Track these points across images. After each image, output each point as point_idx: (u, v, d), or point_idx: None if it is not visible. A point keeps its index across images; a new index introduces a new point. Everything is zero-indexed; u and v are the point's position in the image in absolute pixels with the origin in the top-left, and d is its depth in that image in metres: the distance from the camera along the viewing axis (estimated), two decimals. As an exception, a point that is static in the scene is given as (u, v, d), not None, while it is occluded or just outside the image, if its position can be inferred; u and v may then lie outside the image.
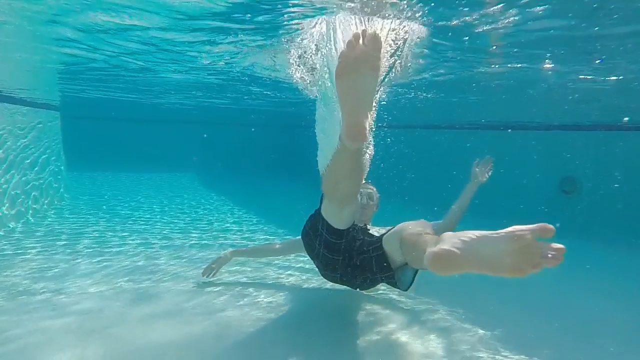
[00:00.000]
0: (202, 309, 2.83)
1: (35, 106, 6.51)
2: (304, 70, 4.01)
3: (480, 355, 2.38)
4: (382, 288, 3.34)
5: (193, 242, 4.75)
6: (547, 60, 3.68)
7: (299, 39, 3.22)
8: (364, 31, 1.60)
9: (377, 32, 1.59)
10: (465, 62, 3.92)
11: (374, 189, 3.00)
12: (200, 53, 4.01)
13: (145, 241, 4.64)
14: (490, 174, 3.11)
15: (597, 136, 6.80)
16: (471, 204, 2.95)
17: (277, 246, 3.33)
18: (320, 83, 2.46)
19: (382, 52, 1.66)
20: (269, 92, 7.49)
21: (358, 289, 2.95)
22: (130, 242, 4.58)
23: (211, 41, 3.51)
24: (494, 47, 3.26)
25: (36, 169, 6.12)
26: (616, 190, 5.79)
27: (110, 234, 4.90)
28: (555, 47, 3.21)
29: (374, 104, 1.77)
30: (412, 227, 2.08)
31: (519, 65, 3.91)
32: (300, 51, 3.57)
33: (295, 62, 3.90)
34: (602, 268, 4.52)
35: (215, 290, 3.19)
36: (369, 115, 1.69)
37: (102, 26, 3.11)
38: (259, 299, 3.04)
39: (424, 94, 6.12)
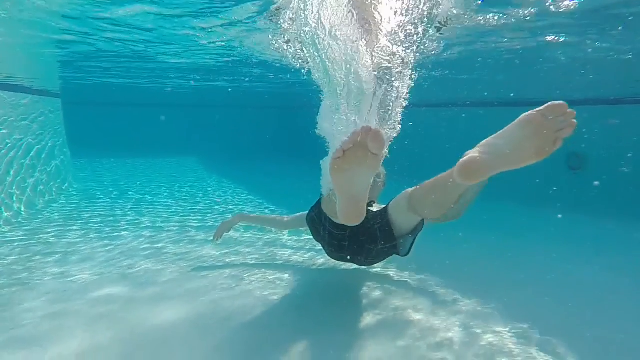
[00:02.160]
0: (208, 290, 2.85)
1: (37, 94, 6.46)
2: (299, 50, 3.87)
3: (477, 330, 2.38)
4: (387, 269, 3.34)
5: (196, 224, 4.76)
6: (559, 32, 3.51)
7: (290, 12, 3.06)
8: (366, 127, 1.41)
9: (380, 130, 1.43)
10: (477, 35, 3.75)
11: (381, 167, 2.94)
12: (196, 31, 3.89)
13: (149, 225, 4.67)
14: None
15: (605, 111, 6.63)
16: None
17: (285, 219, 3.28)
18: (316, 73, 2.27)
19: (384, 150, 1.53)
20: (270, 74, 7.35)
21: (363, 266, 2.94)
22: (135, 226, 4.60)
23: (203, 17, 3.39)
24: (525, 16, 3.07)
25: (43, 156, 6.13)
26: (624, 165, 5.68)
27: (114, 218, 4.93)
28: (571, 15, 3.05)
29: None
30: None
31: (529, 37, 3.75)
32: (292, 34, 3.43)
33: (291, 41, 3.76)
34: (610, 244, 4.49)
35: (220, 272, 3.21)
36: (365, 200, 1.69)
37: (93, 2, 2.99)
38: (264, 280, 3.06)
39: (430, 72, 5.95)
